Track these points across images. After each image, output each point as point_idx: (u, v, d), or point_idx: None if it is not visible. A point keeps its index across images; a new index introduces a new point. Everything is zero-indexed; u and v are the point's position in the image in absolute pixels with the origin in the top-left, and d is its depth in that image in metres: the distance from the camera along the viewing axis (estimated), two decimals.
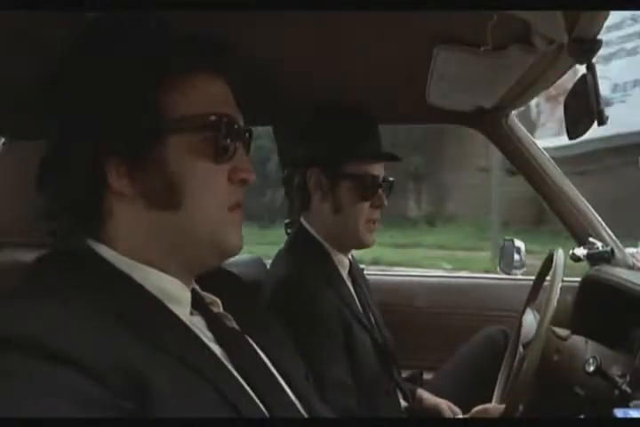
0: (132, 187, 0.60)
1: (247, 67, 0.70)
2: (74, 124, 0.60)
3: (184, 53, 0.61)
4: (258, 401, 0.62)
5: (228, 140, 0.63)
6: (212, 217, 0.63)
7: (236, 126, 0.65)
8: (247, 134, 0.69)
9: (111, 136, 0.59)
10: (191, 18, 0.76)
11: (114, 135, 0.59)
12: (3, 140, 1.61)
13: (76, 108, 0.60)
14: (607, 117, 0.78)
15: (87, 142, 0.59)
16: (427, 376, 1.63)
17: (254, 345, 0.70)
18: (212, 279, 0.72)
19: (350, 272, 1.32)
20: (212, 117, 0.62)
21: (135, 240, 0.62)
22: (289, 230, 1.73)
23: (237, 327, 0.70)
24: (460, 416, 1.29)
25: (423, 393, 1.40)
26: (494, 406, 1.19)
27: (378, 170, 1.26)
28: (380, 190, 1.25)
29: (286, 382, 0.70)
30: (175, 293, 0.63)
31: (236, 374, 0.62)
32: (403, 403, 1.29)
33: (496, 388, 1.30)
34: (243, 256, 1.68)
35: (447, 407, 1.35)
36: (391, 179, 1.30)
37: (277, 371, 0.70)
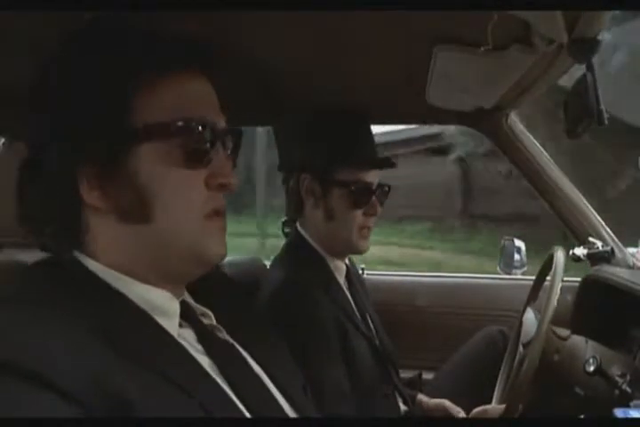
0: (104, 200, 0.59)
1: (234, 65, 0.68)
2: (46, 132, 0.59)
3: (157, 52, 0.59)
4: (248, 415, 0.60)
5: (202, 145, 0.60)
6: (187, 228, 0.61)
7: (212, 129, 0.61)
8: (233, 136, 0.66)
9: (81, 145, 0.57)
10: (191, 18, 0.76)
11: (84, 144, 0.57)
12: (3, 140, 1.61)
13: (45, 112, 0.59)
14: (607, 117, 0.78)
15: (58, 153, 0.57)
16: (427, 376, 1.63)
17: (247, 357, 0.69)
18: (207, 287, 0.70)
19: (347, 277, 1.31)
20: (180, 123, 0.58)
21: (115, 253, 0.60)
22: (285, 230, 1.73)
23: (230, 339, 0.69)
24: (462, 415, 1.29)
25: (423, 398, 1.39)
26: (493, 407, 1.19)
27: (371, 177, 1.24)
28: (373, 198, 1.23)
29: (282, 395, 0.68)
30: (162, 305, 0.62)
31: (225, 388, 0.61)
32: (402, 407, 1.29)
33: (496, 388, 1.30)
34: (241, 257, 1.68)
35: (451, 405, 1.35)
36: (387, 185, 1.28)
37: (272, 383, 0.69)
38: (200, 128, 0.60)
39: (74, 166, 0.58)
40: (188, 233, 0.61)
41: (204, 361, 0.62)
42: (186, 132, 0.59)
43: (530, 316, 1.24)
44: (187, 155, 0.59)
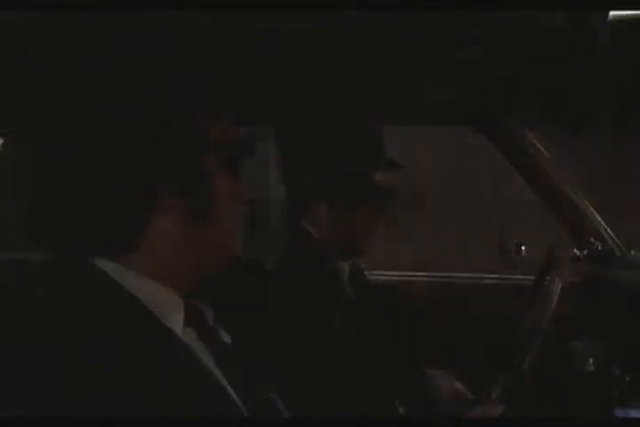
0: (182, 202, 0.62)
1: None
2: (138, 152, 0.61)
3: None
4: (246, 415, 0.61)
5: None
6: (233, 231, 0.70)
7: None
8: None
9: (168, 153, 0.61)
10: (191, 18, 0.76)
11: (171, 152, 0.61)
12: (2, 140, 1.61)
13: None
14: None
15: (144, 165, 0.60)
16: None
17: (244, 356, 0.70)
18: (204, 283, 0.71)
19: (350, 276, 1.31)
20: (245, 143, 0.70)
21: (161, 253, 0.62)
22: (286, 230, 1.74)
23: (229, 339, 0.70)
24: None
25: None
26: (489, 406, 1.19)
27: (378, 176, 1.24)
28: (379, 198, 1.23)
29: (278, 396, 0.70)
30: (169, 304, 0.62)
31: (228, 388, 0.61)
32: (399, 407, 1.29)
33: (496, 390, 1.30)
34: (239, 258, 1.68)
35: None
36: (394, 185, 1.28)
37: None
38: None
39: (160, 174, 0.61)
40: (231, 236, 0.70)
41: (208, 361, 0.62)
42: (249, 151, 0.71)
43: (530, 316, 1.25)
44: (241, 169, 0.70)
